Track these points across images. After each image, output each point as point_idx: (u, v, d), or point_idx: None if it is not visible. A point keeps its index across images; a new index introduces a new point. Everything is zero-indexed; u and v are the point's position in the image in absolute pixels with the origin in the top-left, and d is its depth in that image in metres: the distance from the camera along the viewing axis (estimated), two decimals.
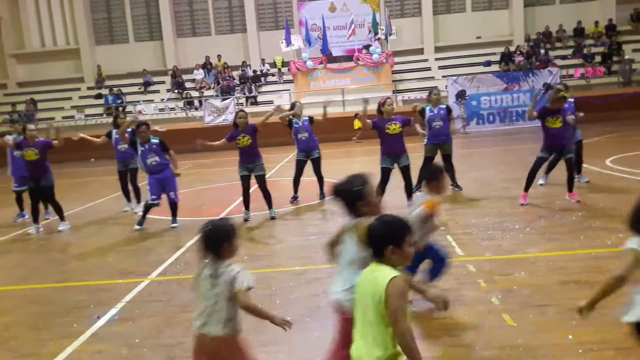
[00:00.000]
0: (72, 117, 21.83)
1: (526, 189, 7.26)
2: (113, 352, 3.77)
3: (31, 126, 8.06)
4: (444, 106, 8.43)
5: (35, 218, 8.00)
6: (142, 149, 7.43)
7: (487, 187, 8.67)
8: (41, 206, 8.20)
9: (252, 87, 21.99)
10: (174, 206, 7.63)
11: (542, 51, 21.49)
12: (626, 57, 20.51)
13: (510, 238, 5.76)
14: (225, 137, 7.51)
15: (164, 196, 7.57)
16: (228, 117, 19.90)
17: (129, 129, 7.53)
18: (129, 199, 9.00)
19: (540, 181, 8.25)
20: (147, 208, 7.60)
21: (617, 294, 4.10)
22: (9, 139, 8.46)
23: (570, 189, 7.18)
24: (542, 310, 3.91)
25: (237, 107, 20.17)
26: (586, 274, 4.52)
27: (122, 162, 8.78)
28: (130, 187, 8.92)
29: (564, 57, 21.62)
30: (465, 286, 4.49)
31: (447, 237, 5.92)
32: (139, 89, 23.46)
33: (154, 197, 7.47)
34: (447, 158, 8.41)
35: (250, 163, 7.48)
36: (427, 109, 8.37)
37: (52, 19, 24.90)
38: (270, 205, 7.63)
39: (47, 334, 4.16)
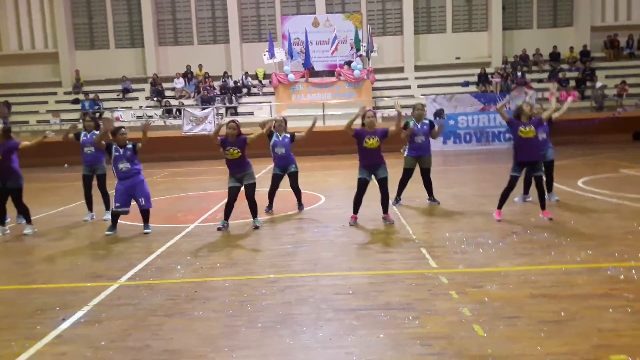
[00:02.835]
0: (47, 121, 21.42)
1: (499, 206, 7.36)
2: (77, 354, 3.66)
3: None
4: (427, 121, 8.55)
5: (1, 220, 7.78)
6: (117, 154, 7.29)
7: (462, 202, 8.77)
8: (11, 210, 7.98)
9: (233, 98, 21.95)
10: (145, 213, 7.48)
11: (519, 74, 22.01)
12: (599, 83, 21.13)
13: (482, 252, 5.81)
14: (221, 140, 7.24)
15: (134, 204, 7.45)
16: (207, 127, 19.82)
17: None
18: (90, 208, 8.64)
19: (516, 199, 8.38)
20: (114, 215, 7.46)
21: (583, 306, 4.19)
22: None
23: (542, 207, 7.31)
24: (512, 322, 3.94)
25: (216, 117, 20.11)
26: (556, 288, 4.58)
27: (88, 166, 8.48)
28: (93, 194, 8.57)
29: (540, 81, 22.15)
30: (437, 297, 4.50)
31: (420, 250, 5.97)
32: (118, 95, 23.20)
33: (118, 204, 7.31)
34: (426, 172, 8.56)
35: (240, 173, 7.38)
36: (411, 122, 8.48)
37: (32, 22, 24.53)
38: (254, 215, 7.53)
39: (8, 335, 4.03)
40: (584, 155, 15.51)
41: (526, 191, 8.42)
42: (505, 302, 4.31)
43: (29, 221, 7.86)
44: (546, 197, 7.61)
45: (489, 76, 22.15)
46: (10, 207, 7.92)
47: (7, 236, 7.72)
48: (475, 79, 22.38)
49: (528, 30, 24.31)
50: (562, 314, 4.02)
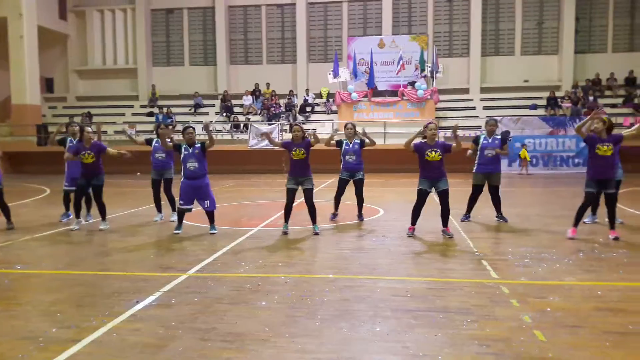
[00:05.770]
0: (123, 131, 22.79)
1: (575, 224, 7.10)
2: (150, 331, 3.94)
3: (88, 129, 8.52)
4: (498, 137, 8.48)
5: (77, 213, 8.34)
6: (186, 152, 7.72)
7: (527, 221, 8.57)
8: (84, 208, 8.63)
9: (297, 115, 22.51)
10: (210, 214, 7.83)
11: (591, 98, 21.21)
12: None
13: (546, 267, 5.68)
14: (285, 143, 7.69)
15: (196, 204, 7.82)
16: None
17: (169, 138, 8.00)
18: (159, 209, 9.17)
19: (586, 220, 8.09)
20: (180, 213, 7.85)
21: None
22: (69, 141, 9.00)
23: (612, 227, 7.03)
24: (575, 331, 3.86)
25: (280, 133, 20.68)
26: (624, 303, 4.43)
27: (157, 171, 9.00)
28: (163, 197, 9.07)
29: (613, 106, 21.25)
30: (497, 304, 4.47)
31: (481, 262, 5.92)
32: (190, 110, 24.39)
33: (182, 202, 7.71)
34: (495, 189, 8.43)
35: (301, 176, 7.60)
36: (482, 137, 8.43)
37: (115, 40, 26.46)
38: (314, 221, 7.70)
39: (89, 311, 4.38)
40: None
41: (594, 212, 8.12)
42: (569, 313, 4.22)
43: (104, 218, 8.41)
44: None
45: (559, 100, 21.49)
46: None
47: (82, 229, 8.27)
48: (543, 102, 21.79)
49: (602, 54, 23.45)
50: (630, 326, 3.90)
